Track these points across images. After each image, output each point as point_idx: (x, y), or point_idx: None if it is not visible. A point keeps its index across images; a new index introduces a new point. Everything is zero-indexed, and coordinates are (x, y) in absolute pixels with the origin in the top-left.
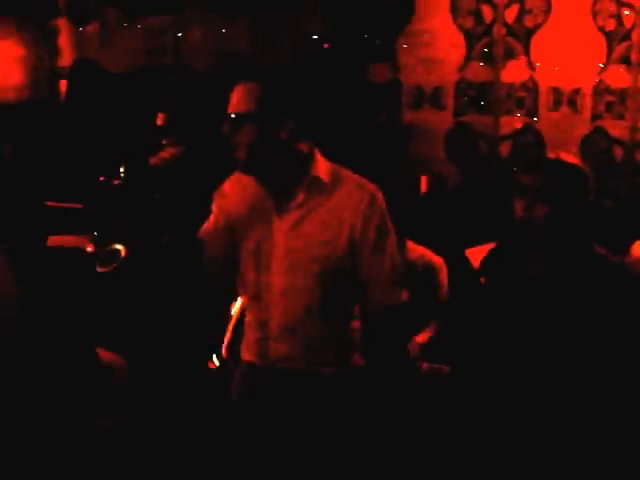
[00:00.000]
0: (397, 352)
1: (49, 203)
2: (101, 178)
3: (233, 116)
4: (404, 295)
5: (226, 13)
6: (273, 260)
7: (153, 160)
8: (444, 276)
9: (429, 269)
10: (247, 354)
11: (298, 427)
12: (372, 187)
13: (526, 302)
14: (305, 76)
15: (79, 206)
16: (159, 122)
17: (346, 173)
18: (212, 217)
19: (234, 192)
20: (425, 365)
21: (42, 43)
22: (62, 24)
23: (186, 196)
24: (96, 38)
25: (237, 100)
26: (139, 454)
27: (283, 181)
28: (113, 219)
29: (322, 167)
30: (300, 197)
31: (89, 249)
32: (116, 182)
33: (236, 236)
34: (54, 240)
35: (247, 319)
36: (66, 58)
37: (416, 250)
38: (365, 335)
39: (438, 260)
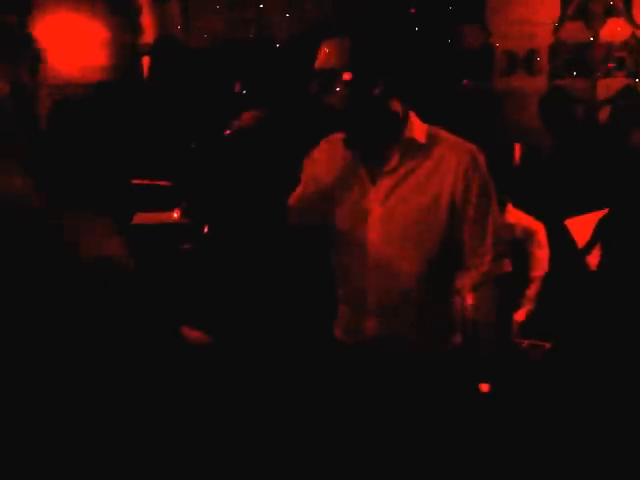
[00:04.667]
0: (503, 328)
1: (136, 181)
2: (192, 145)
3: (324, 71)
4: (509, 265)
5: None
6: (368, 229)
7: (237, 123)
8: (544, 240)
9: (529, 233)
10: (340, 332)
11: (397, 414)
12: (472, 147)
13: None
14: (396, 33)
15: (166, 184)
16: (236, 89)
17: (444, 134)
18: (302, 184)
19: (324, 158)
20: (525, 342)
21: (126, 22)
22: (144, 2)
23: (273, 161)
24: (178, 15)
25: (327, 55)
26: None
27: (377, 143)
28: (201, 192)
29: (417, 128)
30: (394, 161)
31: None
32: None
33: (326, 204)
34: (142, 217)
35: (340, 294)
36: (149, 36)
37: (516, 213)
38: (468, 310)
39: (538, 225)
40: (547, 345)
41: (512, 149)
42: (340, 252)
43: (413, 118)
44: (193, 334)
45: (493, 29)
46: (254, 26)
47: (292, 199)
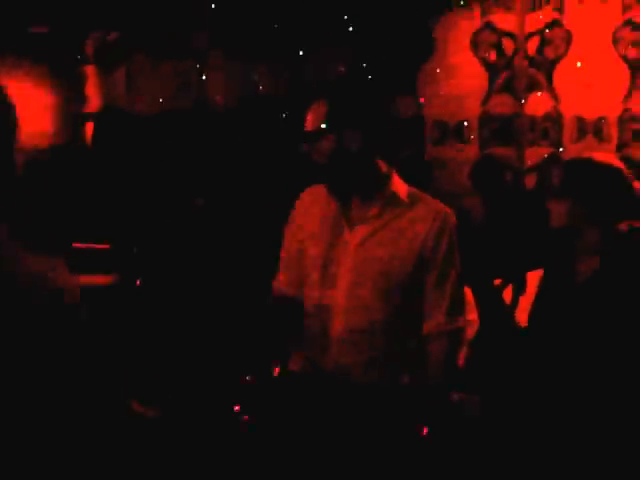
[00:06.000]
0: (450, 377)
1: (76, 244)
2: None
3: (308, 133)
4: (463, 322)
5: (247, 58)
6: (339, 273)
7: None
8: (472, 303)
9: None
10: (302, 366)
11: (344, 438)
12: (448, 211)
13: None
14: (366, 92)
15: (106, 247)
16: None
17: (423, 195)
18: (285, 244)
19: (306, 205)
20: (455, 395)
21: (70, 90)
22: (90, 71)
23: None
24: (123, 84)
25: (310, 118)
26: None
27: (359, 194)
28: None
29: (400, 186)
30: (375, 210)
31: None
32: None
33: (304, 248)
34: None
35: (307, 330)
36: (93, 104)
37: None
38: (420, 355)
39: (466, 290)
40: (476, 398)
41: None
42: (309, 294)
43: (396, 177)
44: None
45: (425, 100)
46: (195, 93)
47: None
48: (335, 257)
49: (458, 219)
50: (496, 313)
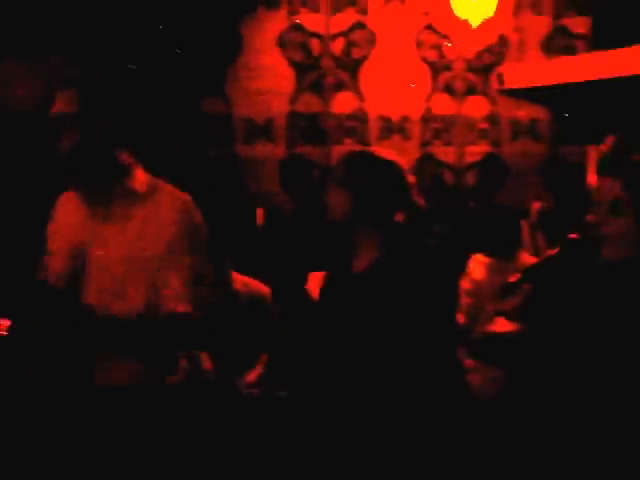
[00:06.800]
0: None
1: None
2: None
3: (55, 117)
4: (189, 307)
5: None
6: (89, 278)
7: None
8: (271, 305)
9: (255, 299)
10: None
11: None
12: (186, 196)
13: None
14: (126, 86)
15: None
16: None
17: (162, 184)
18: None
19: (60, 211)
20: (255, 392)
21: None
22: None
23: None
24: None
25: (58, 103)
26: None
27: (100, 189)
28: None
29: (139, 178)
30: (115, 209)
31: None
32: None
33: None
34: None
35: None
36: None
37: (242, 279)
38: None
39: (265, 289)
40: (281, 393)
41: (254, 214)
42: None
43: (137, 169)
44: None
45: (233, 99)
46: None
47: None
48: (82, 262)
49: (268, 216)
50: (304, 313)
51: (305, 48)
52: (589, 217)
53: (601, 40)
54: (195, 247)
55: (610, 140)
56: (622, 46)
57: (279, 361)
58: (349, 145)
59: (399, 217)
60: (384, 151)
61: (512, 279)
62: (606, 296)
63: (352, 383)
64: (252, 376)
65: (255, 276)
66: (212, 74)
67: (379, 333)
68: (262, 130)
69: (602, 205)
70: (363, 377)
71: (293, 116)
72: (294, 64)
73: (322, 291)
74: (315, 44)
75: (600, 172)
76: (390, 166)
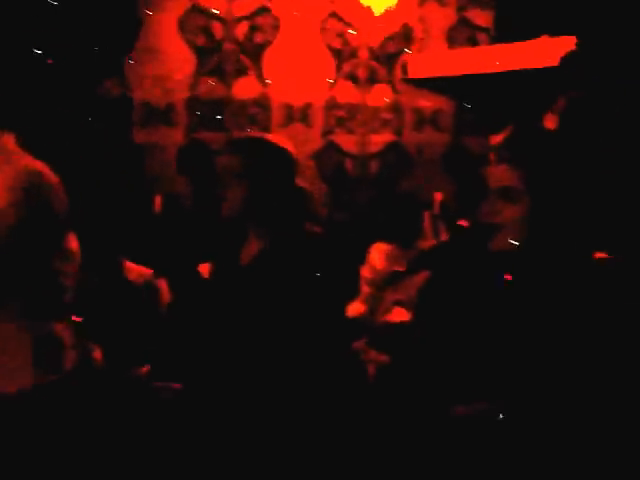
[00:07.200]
0: None
1: None
2: None
3: None
4: None
5: None
6: None
7: None
8: (166, 294)
9: (150, 290)
10: None
11: None
12: (41, 168)
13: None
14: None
15: None
16: None
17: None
18: None
19: None
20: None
21: None
22: None
23: None
24: None
25: None
26: None
27: None
28: None
29: None
30: None
31: None
32: None
33: None
34: None
35: None
36: None
37: (135, 270)
38: None
39: (161, 281)
40: (177, 386)
41: (152, 200)
42: None
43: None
44: None
45: (132, 82)
46: None
47: None
48: None
49: (167, 203)
50: (200, 300)
51: (207, 31)
52: (481, 205)
53: (502, 33)
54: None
55: (505, 130)
56: (522, 40)
57: (171, 353)
58: (251, 132)
59: (289, 207)
60: (276, 137)
61: (401, 268)
62: (497, 283)
63: (241, 376)
64: (147, 368)
65: (152, 265)
66: (110, 56)
67: (263, 328)
68: (161, 115)
69: (493, 193)
70: (251, 370)
71: (193, 101)
72: (195, 48)
73: (209, 283)
74: (217, 28)
75: (495, 160)
76: (283, 154)
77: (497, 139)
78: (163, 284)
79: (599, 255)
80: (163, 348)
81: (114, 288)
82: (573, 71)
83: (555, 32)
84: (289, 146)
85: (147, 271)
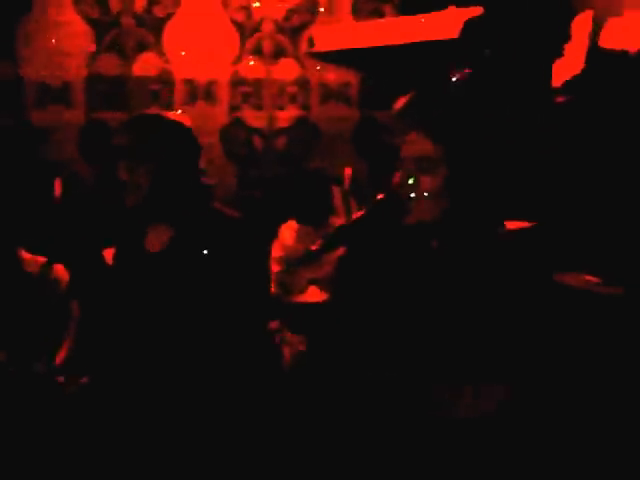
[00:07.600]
0: None
1: None
2: None
3: None
4: None
5: None
6: None
7: None
8: (64, 281)
9: (53, 281)
10: None
11: None
12: None
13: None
14: None
15: None
16: None
17: None
18: None
19: None
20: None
21: None
22: None
23: None
24: None
25: None
26: None
27: None
28: None
29: None
30: None
31: None
32: None
33: None
34: None
35: None
36: None
37: (37, 262)
38: None
39: (59, 269)
40: (84, 380)
41: (52, 184)
42: None
43: None
44: None
45: (24, 61)
46: None
47: None
48: None
49: (66, 187)
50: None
51: (103, 3)
52: (396, 177)
53: (408, 5)
54: None
55: (407, 95)
56: (428, 11)
57: (78, 346)
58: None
59: (194, 189)
60: (174, 114)
61: (314, 247)
62: (416, 255)
63: (150, 363)
64: (56, 361)
65: (52, 251)
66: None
67: (178, 314)
68: (58, 94)
69: (407, 163)
70: (161, 355)
71: (92, 79)
72: (91, 21)
73: (112, 270)
74: (114, 0)
75: (399, 128)
76: (183, 130)
77: (399, 104)
78: (60, 270)
79: (511, 225)
80: (64, 339)
81: (10, 281)
82: (470, 43)
83: (461, 3)
84: (187, 121)
85: (42, 259)
